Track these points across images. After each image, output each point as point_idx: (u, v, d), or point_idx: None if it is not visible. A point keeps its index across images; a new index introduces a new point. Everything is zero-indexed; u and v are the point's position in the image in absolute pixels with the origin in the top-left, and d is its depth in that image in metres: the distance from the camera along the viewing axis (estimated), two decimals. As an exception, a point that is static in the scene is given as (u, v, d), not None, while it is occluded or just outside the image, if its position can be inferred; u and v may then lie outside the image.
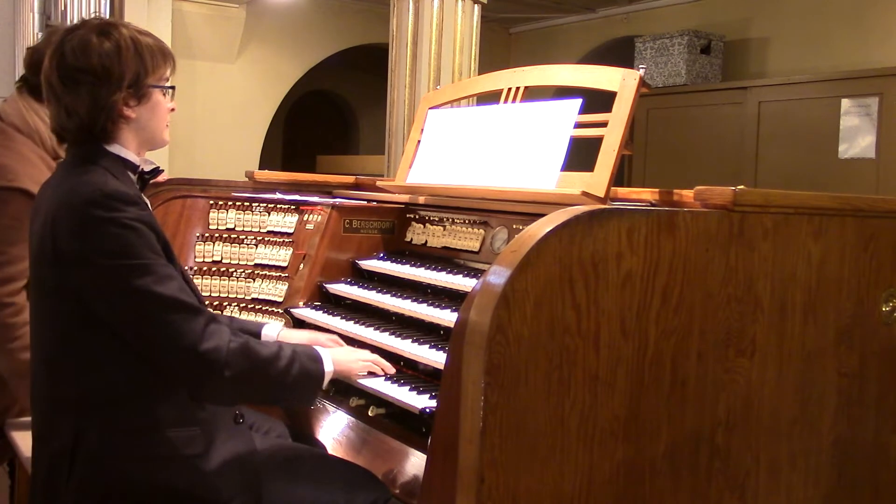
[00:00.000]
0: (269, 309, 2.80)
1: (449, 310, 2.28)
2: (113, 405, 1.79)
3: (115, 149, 1.87)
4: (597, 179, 2.19)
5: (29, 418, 2.63)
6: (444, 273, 2.46)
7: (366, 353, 2.18)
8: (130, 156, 1.90)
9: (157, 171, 2.00)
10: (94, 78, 1.81)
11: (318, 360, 1.95)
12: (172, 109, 1.98)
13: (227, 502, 1.82)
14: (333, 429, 2.41)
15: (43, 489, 1.83)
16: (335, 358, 2.01)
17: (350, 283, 2.70)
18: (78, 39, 1.83)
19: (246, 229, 2.93)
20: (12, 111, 2.53)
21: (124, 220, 1.72)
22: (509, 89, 2.60)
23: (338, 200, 2.85)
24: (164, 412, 1.80)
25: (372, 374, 2.15)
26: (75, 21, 4.96)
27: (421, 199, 2.79)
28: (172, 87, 1.96)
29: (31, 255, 1.90)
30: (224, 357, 1.74)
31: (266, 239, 2.90)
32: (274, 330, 2.29)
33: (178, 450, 1.80)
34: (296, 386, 1.90)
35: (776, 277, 1.93)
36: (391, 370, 2.17)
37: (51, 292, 1.81)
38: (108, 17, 4.90)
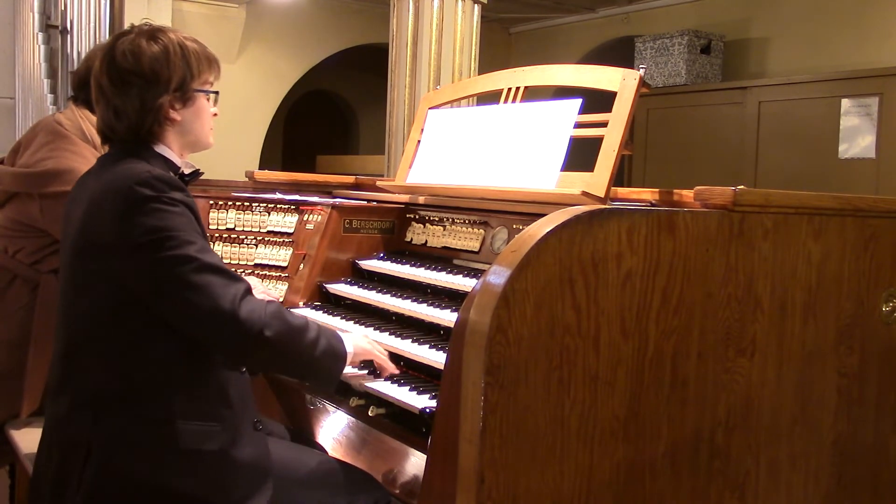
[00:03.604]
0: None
1: (449, 310, 2.28)
2: (136, 397, 1.78)
3: (159, 148, 1.95)
4: (597, 179, 2.19)
5: (29, 418, 2.63)
6: (444, 273, 2.46)
7: (379, 347, 2.17)
8: (173, 156, 1.98)
9: (196, 174, 2.08)
10: (144, 81, 1.89)
11: (340, 340, 1.98)
12: (215, 114, 2.05)
13: (238, 503, 1.82)
14: (333, 429, 2.41)
15: (54, 480, 1.81)
16: (354, 342, 2.04)
17: (350, 283, 2.70)
18: (129, 43, 1.90)
19: (246, 229, 2.93)
20: (69, 120, 2.67)
21: (167, 199, 1.76)
22: (509, 89, 2.60)
23: (338, 200, 2.84)
24: (187, 406, 1.80)
25: (375, 374, 2.15)
26: (74, 21, 4.98)
27: (421, 199, 2.79)
28: (216, 92, 2.04)
29: (65, 243, 1.91)
30: (263, 317, 1.75)
31: (266, 239, 2.89)
32: None
33: (198, 445, 1.79)
34: (322, 359, 1.91)
35: (776, 277, 1.93)
36: (394, 371, 2.16)
37: (87, 277, 1.82)
38: (109, 17, 4.90)
